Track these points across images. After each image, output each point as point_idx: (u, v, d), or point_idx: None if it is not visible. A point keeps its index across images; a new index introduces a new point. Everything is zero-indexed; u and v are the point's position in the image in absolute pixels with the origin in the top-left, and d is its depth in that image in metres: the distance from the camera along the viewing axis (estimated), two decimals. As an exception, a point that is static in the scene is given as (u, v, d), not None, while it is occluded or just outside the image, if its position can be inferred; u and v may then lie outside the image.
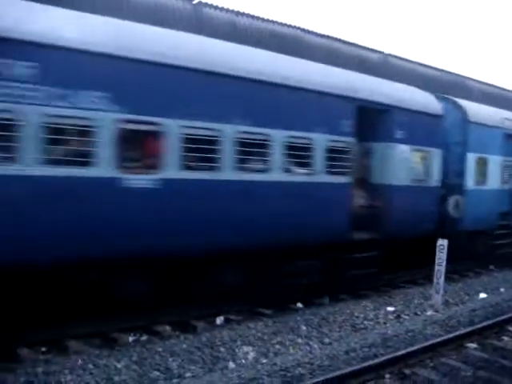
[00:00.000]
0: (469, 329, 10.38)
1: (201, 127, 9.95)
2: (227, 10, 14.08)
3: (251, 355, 9.07)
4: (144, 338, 9.82)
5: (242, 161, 10.59)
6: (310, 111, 11.72)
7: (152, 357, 8.74)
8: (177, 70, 9.70)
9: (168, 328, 10.22)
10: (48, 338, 9.16)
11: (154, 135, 9.48)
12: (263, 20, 14.80)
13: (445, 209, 15.53)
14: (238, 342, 9.56)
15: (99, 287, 9.33)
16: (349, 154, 12.49)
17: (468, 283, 15.54)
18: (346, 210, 12.52)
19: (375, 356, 8.86)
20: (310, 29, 15.99)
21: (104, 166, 8.87)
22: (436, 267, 12.46)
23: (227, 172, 10.34)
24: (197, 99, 9.95)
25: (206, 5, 13.62)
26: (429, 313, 11.97)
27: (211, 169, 10.18)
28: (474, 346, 9.78)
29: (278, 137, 11.07)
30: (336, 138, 12.14)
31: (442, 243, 12.39)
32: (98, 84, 8.80)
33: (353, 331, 10.57)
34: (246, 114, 10.59)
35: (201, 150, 10.05)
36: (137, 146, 9.52)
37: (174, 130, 9.58)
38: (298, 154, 11.55)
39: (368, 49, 18.06)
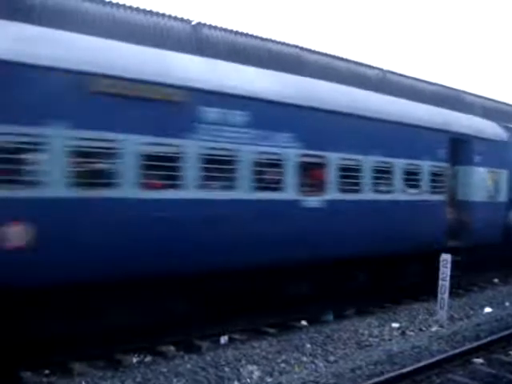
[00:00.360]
0: (475, 344, 10.30)
1: (351, 158, 12.76)
2: (226, 30, 14.17)
3: (256, 374, 9.01)
4: (148, 358, 9.77)
5: (377, 184, 13.48)
6: (419, 143, 14.64)
7: (156, 377, 8.69)
8: (339, 115, 12.55)
9: (172, 348, 10.16)
10: (52, 361, 9.11)
11: (320, 165, 12.17)
12: (261, 39, 14.88)
13: (509, 221, 18.09)
14: (243, 362, 9.51)
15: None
16: (444, 176, 15.51)
17: (473, 298, 15.47)
18: (443, 222, 15.43)
19: (381, 373, 8.78)
20: (308, 47, 16.09)
21: (290, 191, 11.54)
22: (440, 282, 12.41)
23: (368, 193, 13.23)
24: (349, 137, 12.73)
25: (205, 25, 13.70)
26: (434, 328, 11.90)
27: (357, 191, 12.94)
28: (480, 361, 9.70)
29: (399, 164, 13.96)
30: (436, 163, 15.13)
31: (446, 258, 12.34)
32: (288, 127, 11.50)
33: (358, 348, 10.51)
34: (380, 148, 13.39)
35: (351, 177, 12.79)
36: (309, 174, 12.05)
37: (333, 161, 12.31)
38: (411, 178, 14.40)
39: (366, 65, 18.12)
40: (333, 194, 12.31)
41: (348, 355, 10.03)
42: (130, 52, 10.01)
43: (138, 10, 12.65)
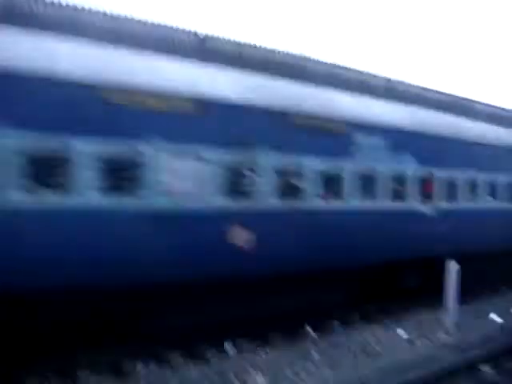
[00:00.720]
0: (483, 352, 10.23)
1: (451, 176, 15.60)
2: (232, 42, 14.19)
3: (262, 383, 8.95)
4: (153, 366, 9.72)
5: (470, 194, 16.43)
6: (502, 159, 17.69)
7: (162, 386, 8.66)
8: (444, 139, 15.66)
9: (178, 356, 10.11)
10: (57, 368, 9.08)
11: (431, 179, 14.92)
12: (267, 50, 14.92)
13: None
14: (249, 370, 9.45)
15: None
16: None
17: (480, 306, 15.36)
18: None
19: (389, 382, 8.72)
20: (313, 56, 16.08)
21: (412, 201, 14.39)
22: (447, 290, 12.33)
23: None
24: (450, 157, 15.71)
25: (211, 37, 13.70)
26: (441, 337, 11.82)
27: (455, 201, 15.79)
28: (488, 369, 9.63)
29: (485, 178, 16.79)
30: None
31: (452, 267, 12.27)
32: (410, 149, 14.38)
33: (365, 357, 10.45)
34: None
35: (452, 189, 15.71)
36: (423, 187, 14.79)
37: (440, 175, 15.14)
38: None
39: (371, 74, 18.08)
40: (439, 203, 15.23)
41: (355, 364, 9.97)
42: (315, 94, 13.18)
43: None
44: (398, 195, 14.11)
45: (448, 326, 12.26)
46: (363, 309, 13.74)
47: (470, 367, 9.53)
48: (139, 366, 9.60)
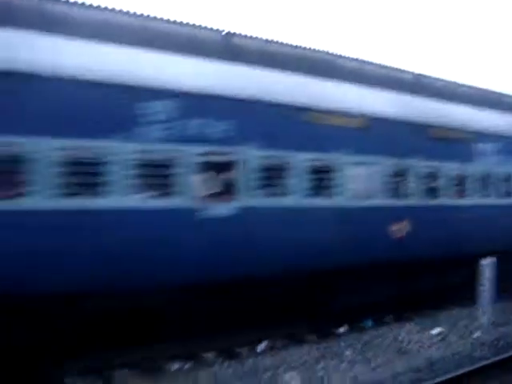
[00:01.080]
0: (518, 350, 10.12)
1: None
2: (256, 39, 14.20)
3: (295, 382, 9.01)
4: (188, 365, 9.85)
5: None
6: None
7: (196, 384, 8.77)
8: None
9: (212, 355, 10.23)
10: (93, 367, 9.27)
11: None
12: (292, 46, 14.87)
13: None
14: (282, 369, 9.52)
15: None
16: None
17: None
18: None
19: (422, 380, 8.70)
20: (341, 53, 16.03)
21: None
22: (481, 287, 12.22)
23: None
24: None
25: (235, 34, 13.77)
26: (476, 334, 11.70)
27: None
28: (524, 368, 9.52)
29: None
30: None
31: (487, 262, 12.15)
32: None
33: (398, 355, 10.43)
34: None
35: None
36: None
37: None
38: None
39: (399, 70, 17.96)
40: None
41: (388, 362, 9.96)
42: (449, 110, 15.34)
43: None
44: (507, 193, 16.16)
45: (483, 324, 12.14)
46: (396, 306, 13.69)
47: (506, 366, 9.43)
48: (174, 365, 9.75)
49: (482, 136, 15.61)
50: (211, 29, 13.07)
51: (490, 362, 9.37)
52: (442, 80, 18.58)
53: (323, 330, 11.92)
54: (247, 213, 10.50)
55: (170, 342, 10.11)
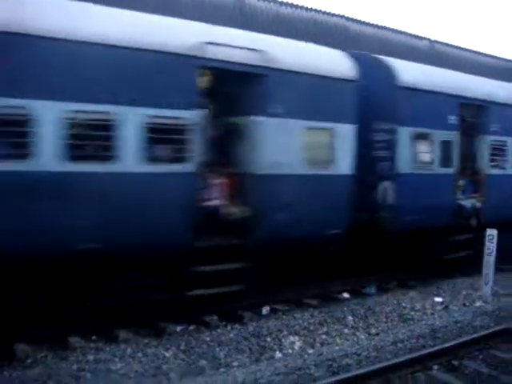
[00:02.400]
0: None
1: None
2: (270, 1, 13.98)
3: (297, 345, 9.10)
4: (192, 327, 9.94)
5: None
6: None
7: (199, 346, 8.86)
8: None
9: (215, 318, 10.32)
10: (98, 328, 9.37)
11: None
12: (307, 9, 14.62)
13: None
14: (285, 332, 9.60)
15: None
16: None
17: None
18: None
19: (423, 347, 8.76)
20: (355, 17, 15.78)
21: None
22: (485, 257, 12.24)
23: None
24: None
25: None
26: (478, 304, 11.76)
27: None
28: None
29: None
30: None
31: (492, 233, 12.15)
32: None
33: (400, 322, 10.50)
34: None
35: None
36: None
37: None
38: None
39: (415, 36, 17.71)
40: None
41: (390, 328, 10.03)
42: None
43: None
44: None
45: (486, 294, 12.20)
46: (400, 275, 13.76)
47: (507, 335, 9.48)
48: (178, 328, 9.86)
49: None
50: None
51: (491, 331, 9.42)
52: None
53: (326, 296, 12.00)
54: None
55: (174, 304, 10.21)
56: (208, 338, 9.21)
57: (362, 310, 11.07)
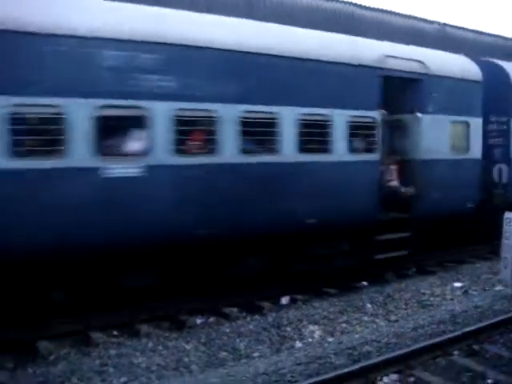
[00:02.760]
0: (540, 303, 10.11)
1: None
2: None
3: (317, 334, 9.13)
4: (211, 319, 10.01)
5: None
6: None
7: (220, 338, 8.92)
8: None
9: (235, 310, 10.37)
10: (119, 322, 9.47)
11: None
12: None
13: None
14: (304, 322, 9.63)
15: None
16: None
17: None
18: None
19: (443, 333, 8.73)
20: (361, 3, 15.54)
21: None
22: (504, 241, 12.14)
23: None
24: None
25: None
26: (497, 288, 11.70)
27: None
28: (546, 320, 9.52)
29: None
30: None
31: (510, 216, 12.04)
32: None
33: (419, 308, 10.49)
34: None
35: None
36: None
37: None
38: None
39: (424, 20, 17.49)
40: None
41: (409, 315, 10.03)
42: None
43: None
44: None
45: (505, 278, 12.11)
46: (419, 261, 13.72)
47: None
48: (198, 321, 9.92)
49: None
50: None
51: (511, 316, 9.38)
52: None
53: (345, 284, 12.02)
54: None
55: (192, 297, 10.29)
56: (228, 330, 9.27)
57: (381, 297, 11.07)
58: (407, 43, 14.07)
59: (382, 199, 12.13)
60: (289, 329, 9.33)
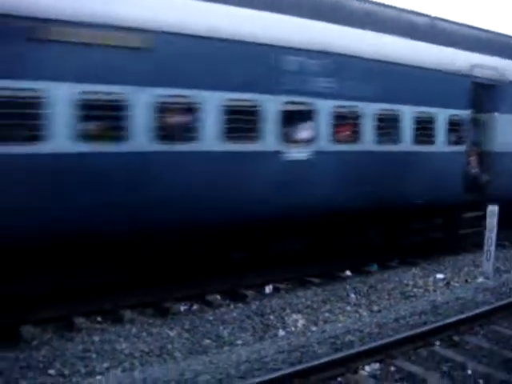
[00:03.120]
0: (521, 295, 10.23)
1: None
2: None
3: (301, 323, 9.19)
4: (195, 307, 10.04)
5: None
6: None
7: (203, 325, 8.95)
8: None
9: (218, 297, 10.41)
10: (103, 309, 9.46)
11: None
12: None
13: None
14: (288, 310, 9.68)
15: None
16: None
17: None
18: None
19: (425, 323, 8.83)
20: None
21: None
22: (487, 233, 12.26)
23: None
24: None
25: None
26: (479, 280, 11.83)
27: None
28: (526, 312, 9.64)
29: None
30: None
31: (493, 209, 12.17)
32: None
33: (402, 299, 10.58)
34: None
35: None
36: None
37: None
38: None
39: (414, 12, 17.48)
40: None
41: (392, 305, 10.11)
42: None
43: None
44: None
45: (487, 270, 12.24)
46: (402, 252, 13.82)
47: (508, 310, 9.55)
48: (182, 308, 9.94)
49: None
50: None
51: (492, 307, 9.49)
52: None
53: (329, 274, 12.09)
54: None
55: (176, 284, 10.31)
56: (211, 317, 9.30)
57: (364, 287, 11.15)
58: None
59: (466, 183, 14.29)
60: (272, 317, 9.38)
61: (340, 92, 11.34)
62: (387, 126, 12.38)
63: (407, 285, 11.41)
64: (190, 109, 9.50)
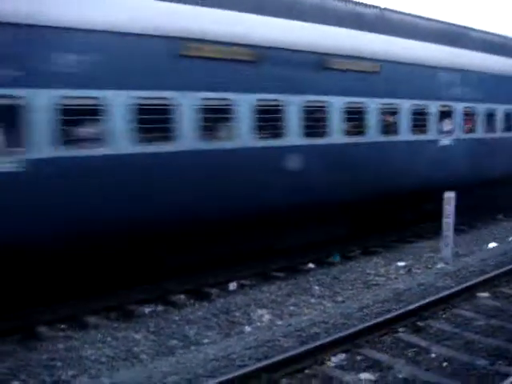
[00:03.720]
0: (480, 278, 10.40)
1: None
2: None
3: (266, 318, 9.22)
4: (160, 308, 9.98)
5: None
6: None
7: (169, 326, 8.91)
8: None
9: (183, 297, 10.37)
10: (66, 315, 9.32)
11: None
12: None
13: None
14: (253, 306, 9.71)
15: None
16: None
17: (477, 234, 15.61)
18: None
19: (388, 311, 8.93)
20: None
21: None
22: (444, 220, 12.46)
23: None
24: None
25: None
26: (439, 265, 12.03)
27: None
28: (485, 295, 9.83)
29: None
30: None
31: (450, 195, 12.37)
32: None
33: (365, 288, 10.70)
34: None
35: None
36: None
37: None
38: None
39: (363, 4, 17.62)
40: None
41: (355, 295, 10.22)
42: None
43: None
44: None
45: (446, 255, 12.46)
46: (363, 242, 13.98)
47: (468, 294, 9.74)
48: (146, 310, 9.87)
49: None
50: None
51: (453, 291, 9.66)
52: None
53: (292, 267, 12.15)
54: None
55: (140, 286, 10.23)
56: (177, 318, 9.26)
57: (327, 279, 11.25)
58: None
59: None
60: (237, 314, 9.39)
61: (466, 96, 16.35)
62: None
63: (369, 274, 11.55)
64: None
